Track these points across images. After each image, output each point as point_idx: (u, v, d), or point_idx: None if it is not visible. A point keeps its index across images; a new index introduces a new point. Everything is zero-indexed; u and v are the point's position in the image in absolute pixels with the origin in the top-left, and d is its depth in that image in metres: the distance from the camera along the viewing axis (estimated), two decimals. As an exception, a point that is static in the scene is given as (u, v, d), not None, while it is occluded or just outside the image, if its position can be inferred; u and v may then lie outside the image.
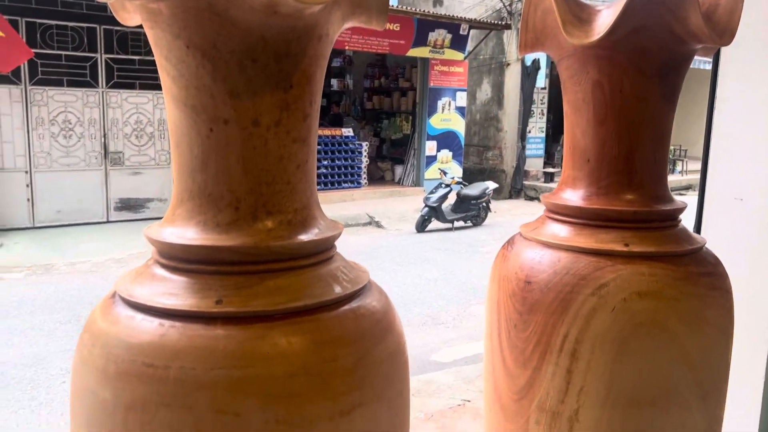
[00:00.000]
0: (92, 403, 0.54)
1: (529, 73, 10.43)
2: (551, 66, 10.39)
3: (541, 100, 11.09)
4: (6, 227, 6.83)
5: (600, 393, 0.79)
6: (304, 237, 0.58)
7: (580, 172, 0.86)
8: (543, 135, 11.35)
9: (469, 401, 3.16)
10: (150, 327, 0.53)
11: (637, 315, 0.77)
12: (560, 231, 0.86)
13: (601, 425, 0.79)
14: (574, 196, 0.86)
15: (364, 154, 9.83)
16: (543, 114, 11.19)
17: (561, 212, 0.87)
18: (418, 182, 10.37)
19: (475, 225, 8.62)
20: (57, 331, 4.20)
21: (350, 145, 9.67)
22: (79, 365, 0.56)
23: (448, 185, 8.34)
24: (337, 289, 0.59)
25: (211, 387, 0.50)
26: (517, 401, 0.86)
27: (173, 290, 0.55)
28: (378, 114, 11.54)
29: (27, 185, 6.97)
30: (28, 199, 6.99)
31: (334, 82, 10.95)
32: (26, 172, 6.95)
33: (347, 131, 9.78)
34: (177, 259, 0.57)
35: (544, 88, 10.98)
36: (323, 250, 0.61)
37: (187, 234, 0.56)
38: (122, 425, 0.51)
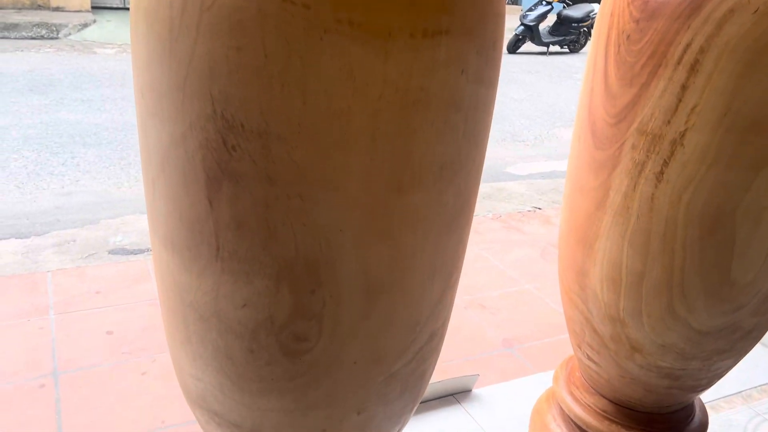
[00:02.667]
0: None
1: None
2: None
3: None
4: (99, 5, 6.90)
5: (715, 113, 0.69)
6: None
7: None
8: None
9: (540, 209, 3.12)
10: None
11: (784, 20, 0.64)
12: (705, -76, 0.71)
13: (710, 150, 0.70)
14: None
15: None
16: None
17: None
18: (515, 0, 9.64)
19: (571, 51, 8.08)
20: (145, 103, 4.34)
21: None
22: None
23: (549, 3, 7.71)
24: None
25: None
26: (614, 125, 0.77)
27: None
28: None
29: (118, -38, 6.90)
30: (119, -22, 6.96)
31: None
32: (117, -52, 6.85)
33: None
34: None
35: None
36: None
37: None
38: None
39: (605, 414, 0.96)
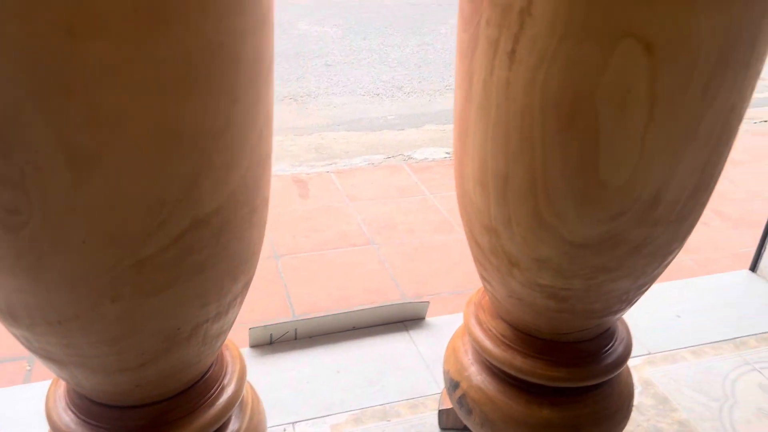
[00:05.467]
0: None
1: None
2: None
3: None
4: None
5: (562, -28, 0.56)
6: None
7: None
8: None
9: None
10: None
11: None
12: None
13: (558, 20, 0.58)
14: None
15: None
16: None
17: None
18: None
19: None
20: None
21: None
22: None
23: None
24: None
25: None
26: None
27: None
28: None
29: None
30: None
31: None
32: None
33: None
34: None
35: None
36: None
37: None
38: None
39: (504, 339, 0.87)
